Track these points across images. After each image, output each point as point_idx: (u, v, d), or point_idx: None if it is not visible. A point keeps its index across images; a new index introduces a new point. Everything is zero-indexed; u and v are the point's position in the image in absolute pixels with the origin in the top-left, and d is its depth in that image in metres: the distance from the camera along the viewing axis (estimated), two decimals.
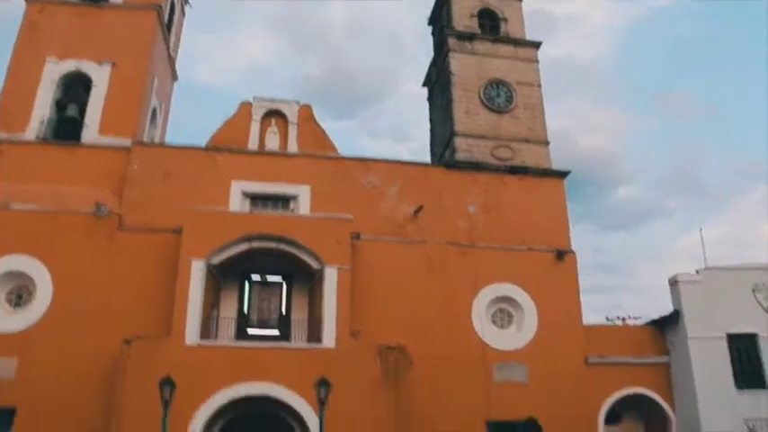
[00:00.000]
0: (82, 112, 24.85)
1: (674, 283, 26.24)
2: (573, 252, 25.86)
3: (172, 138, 31.76)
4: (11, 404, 20.24)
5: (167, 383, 17.04)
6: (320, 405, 18.18)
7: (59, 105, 25.23)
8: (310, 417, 19.69)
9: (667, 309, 26.26)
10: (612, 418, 25.18)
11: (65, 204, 22.70)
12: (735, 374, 25.55)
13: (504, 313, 24.87)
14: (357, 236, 23.33)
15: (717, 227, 70.71)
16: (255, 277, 23.18)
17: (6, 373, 20.56)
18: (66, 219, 22.46)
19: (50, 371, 20.62)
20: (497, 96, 28.92)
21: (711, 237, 78.44)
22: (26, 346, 20.83)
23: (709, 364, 25.01)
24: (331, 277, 21.75)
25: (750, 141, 78.38)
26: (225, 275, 22.69)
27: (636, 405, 25.71)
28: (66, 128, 24.71)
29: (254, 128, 25.91)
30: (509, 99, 28.99)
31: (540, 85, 29.64)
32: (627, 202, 77.83)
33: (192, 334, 20.83)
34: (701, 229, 51.30)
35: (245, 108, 26.32)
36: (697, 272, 26.63)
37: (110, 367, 20.59)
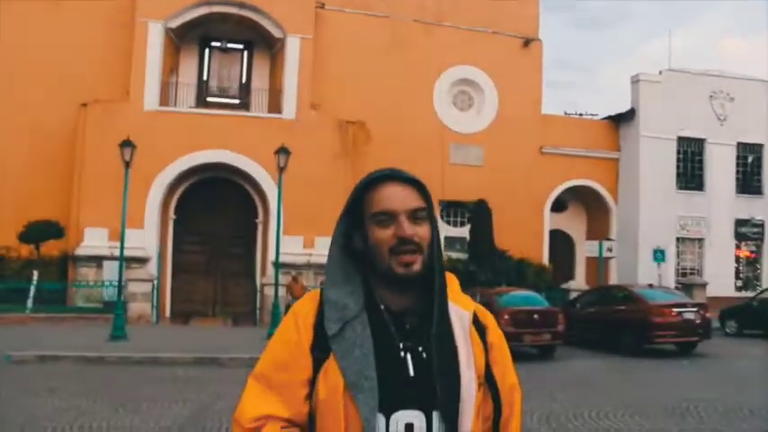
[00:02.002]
0: None
1: (635, 81, 26.44)
2: (540, 40, 25.50)
3: None
4: None
5: (127, 144, 17.04)
6: (279, 172, 18.50)
7: None
8: (268, 184, 20.25)
9: (625, 110, 26.73)
10: (558, 206, 26.51)
11: None
12: (678, 175, 26.81)
13: (465, 96, 24.94)
14: (321, 5, 22.47)
15: (685, 36, 69.48)
16: (215, 44, 22.54)
17: None
18: None
19: (8, 134, 20.39)
20: None
21: (679, 45, 77.85)
22: None
23: (655, 162, 26.05)
24: (293, 46, 21.30)
25: None
26: (183, 40, 21.97)
27: (581, 195, 27.02)
28: None
29: None
30: None
31: None
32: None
33: (150, 99, 20.63)
34: (669, 31, 51.01)
35: None
36: (660, 72, 26.81)
37: (69, 130, 20.48)
